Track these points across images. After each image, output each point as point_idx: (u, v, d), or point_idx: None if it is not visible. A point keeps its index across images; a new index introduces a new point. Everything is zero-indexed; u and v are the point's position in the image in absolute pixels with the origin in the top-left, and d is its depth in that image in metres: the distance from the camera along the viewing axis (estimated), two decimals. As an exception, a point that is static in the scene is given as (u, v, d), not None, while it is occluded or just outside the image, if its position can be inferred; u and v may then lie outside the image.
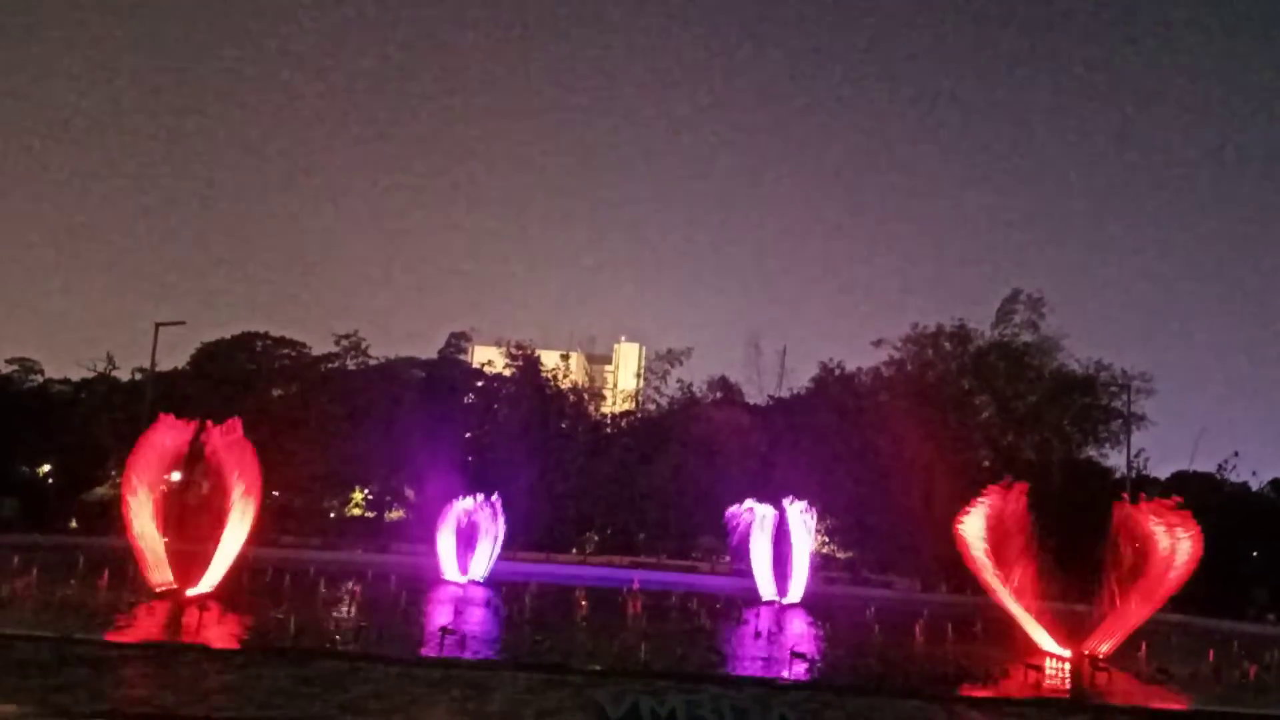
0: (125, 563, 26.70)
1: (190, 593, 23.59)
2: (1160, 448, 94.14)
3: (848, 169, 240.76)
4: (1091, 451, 57.30)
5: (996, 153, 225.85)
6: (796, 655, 19.76)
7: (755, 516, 34.76)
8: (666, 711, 12.85)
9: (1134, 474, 53.18)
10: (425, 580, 33.27)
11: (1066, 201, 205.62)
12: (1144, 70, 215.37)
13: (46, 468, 61.23)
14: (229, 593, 24.44)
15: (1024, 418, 56.25)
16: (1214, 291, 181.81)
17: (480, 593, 31.15)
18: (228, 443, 23.74)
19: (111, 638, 17.39)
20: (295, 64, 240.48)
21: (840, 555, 54.22)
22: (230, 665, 15.06)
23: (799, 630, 26.00)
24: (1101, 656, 21.82)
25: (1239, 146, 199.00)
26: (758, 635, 23.59)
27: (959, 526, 22.47)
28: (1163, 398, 56.18)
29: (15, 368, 64.15)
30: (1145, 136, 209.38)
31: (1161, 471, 59.92)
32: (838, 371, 58.82)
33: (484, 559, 35.00)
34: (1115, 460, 56.48)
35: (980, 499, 22.31)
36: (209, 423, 23.74)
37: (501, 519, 35.19)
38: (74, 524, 52.58)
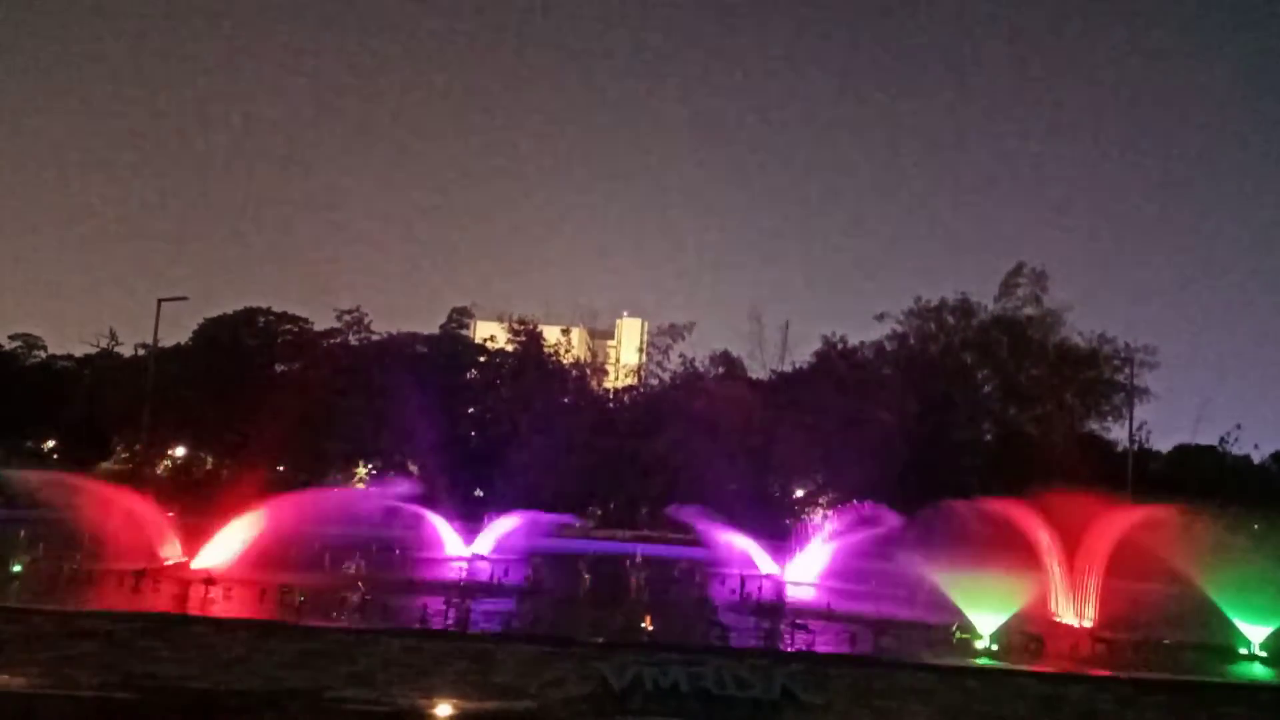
0: (131, 537, 26.87)
1: (195, 565, 23.80)
2: (1163, 421, 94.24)
3: (850, 142, 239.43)
4: (1094, 425, 57.36)
5: (1000, 126, 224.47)
6: (797, 626, 19.89)
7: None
8: (669, 682, 13.00)
9: (1136, 447, 53.24)
10: (429, 554, 33.46)
11: (1070, 174, 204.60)
12: (1146, 43, 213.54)
13: (51, 443, 61.40)
14: (235, 566, 24.64)
15: (1026, 391, 56.20)
16: (1217, 264, 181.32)
17: (484, 566, 31.32)
18: None
19: (119, 611, 17.52)
20: (298, 41, 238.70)
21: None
22: (238, 638, 15.20)
23: (800, 602, 26.15)
24: (1098, 626, 21.98)
25: (1243, 118, 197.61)
26: (759, 607, 23.73)
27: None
28: (1166, 371, 56.17)
29: (19, 343, 64.19)
30: (1148, 109, 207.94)
31: (1164, 444, 60.12)
32: (840, 346, 58.73)
33: (487, 532, 35.28)
34: (1118, 433, 56.56)
35: None
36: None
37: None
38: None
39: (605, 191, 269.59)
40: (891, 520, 30.41)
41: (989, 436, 55.99)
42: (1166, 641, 21.13)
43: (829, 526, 33.46)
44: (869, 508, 33.84)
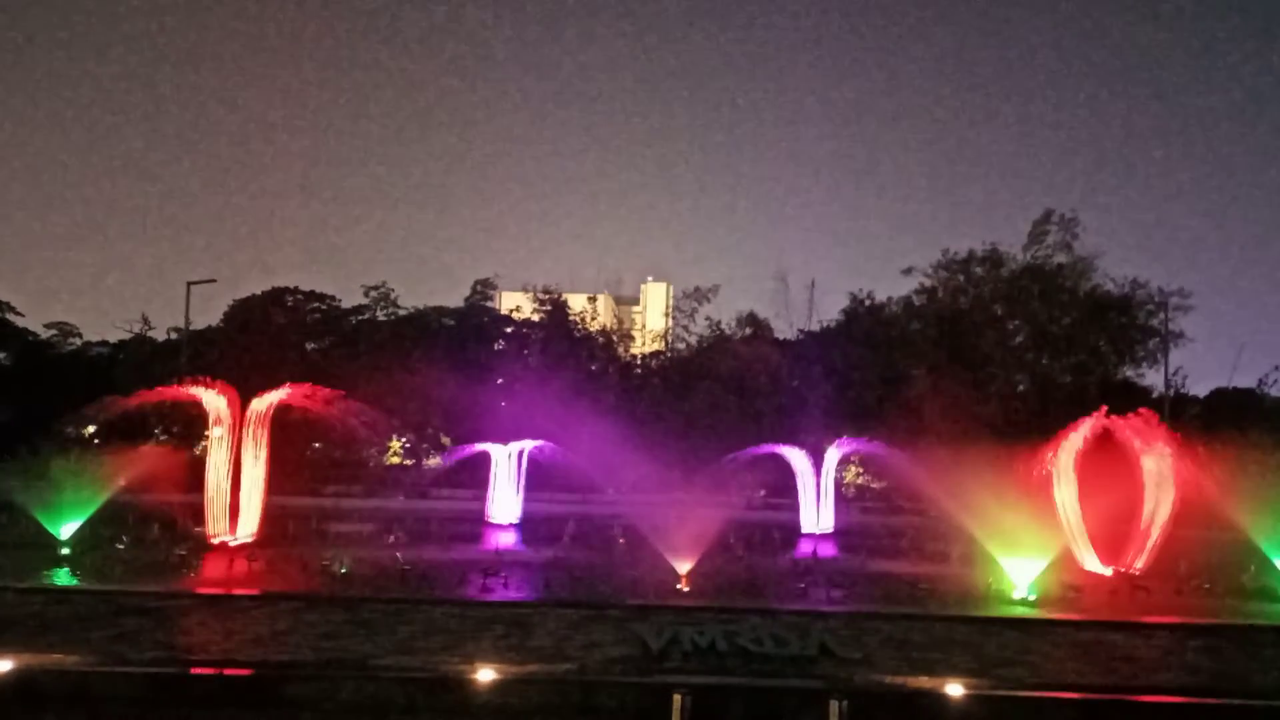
0: (174, 517, 27.48)
1: (234, 542, 24.27)
2: (1200, 365, 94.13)
3: (871, 97, 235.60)
4: (1129, 371, 56.66)
5: (1024, 73, 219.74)
6: (833, 584, 19.95)
7: (793, 458, 35.17)
8: (707, 641, 13.08)
9: (1172, 392, 52.55)
10: (465, 523, 33.86)
11: (1099, 117, 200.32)
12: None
13: (91, 428, 62.39)
14: (276, 541, 25.09)
15: (1059, 340, 55.52)
16: (1252, 204, 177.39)
17: (519, 533, 31.67)
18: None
19: (165, 588, 17.90)
20: (321, 24, 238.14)
21: (875, 485, 54.24)
22: (282, 611, 15.50)
23: (835, 559, 26.22)
24: (1137, 573, 21.83)
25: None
26: (795, 565, 23.81)
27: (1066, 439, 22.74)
28: (1202, 314, 55.33)
29: (54, 332, 64.99)
30: (1178, 48, 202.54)
31: (1201, 389, 59.13)
32: (867, 302, 58.25)
33: (519, 500, 35.77)
34: (1153, 379, 55.88)
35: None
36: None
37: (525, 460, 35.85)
38: (122, 481, 53.81)
39: (626, 157, 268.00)
40: (919, 469, 30.28)
41: (1022, 388, 55.45)
42: (1208, 586, 20.97)
43: (853, 476, 33.55)
44: (883, 449, 34.05)
